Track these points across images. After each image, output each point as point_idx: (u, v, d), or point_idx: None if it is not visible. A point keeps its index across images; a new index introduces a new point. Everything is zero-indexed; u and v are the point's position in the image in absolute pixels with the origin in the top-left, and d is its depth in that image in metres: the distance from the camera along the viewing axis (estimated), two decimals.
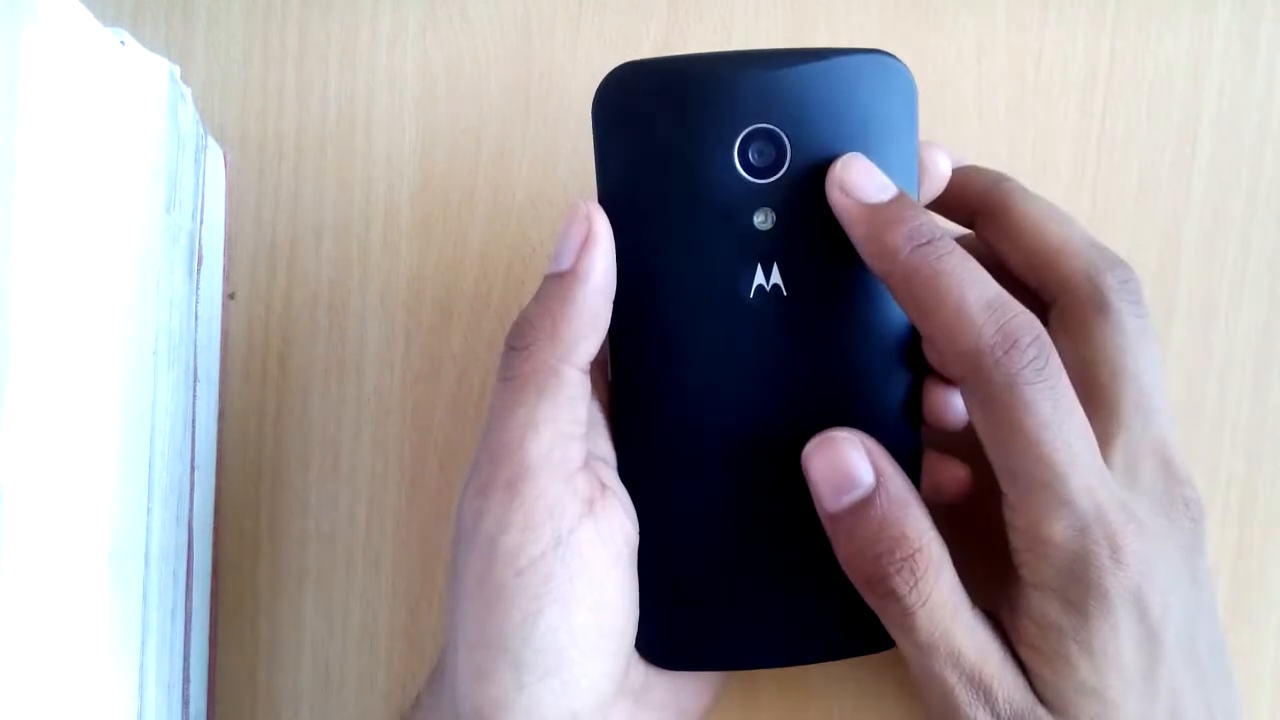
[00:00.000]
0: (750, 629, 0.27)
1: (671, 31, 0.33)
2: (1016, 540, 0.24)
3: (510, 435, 0.24)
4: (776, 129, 0.25)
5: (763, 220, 0.25)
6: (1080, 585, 0.23)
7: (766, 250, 0.25)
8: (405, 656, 0.32)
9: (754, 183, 0.25)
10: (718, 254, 0.25)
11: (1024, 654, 0.24)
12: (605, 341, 0.25)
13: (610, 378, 0.26)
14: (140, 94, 0.26)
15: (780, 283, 0.25)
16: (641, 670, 0.27)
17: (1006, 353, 0.23)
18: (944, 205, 0.28)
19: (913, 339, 0.26)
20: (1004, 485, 0.24)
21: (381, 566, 0.32)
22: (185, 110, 0.29)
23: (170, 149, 0.28)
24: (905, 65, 0.25)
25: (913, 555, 0.24)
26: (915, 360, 0.26)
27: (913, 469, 0.26)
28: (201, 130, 0.31)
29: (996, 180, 0.28)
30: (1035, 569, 0.24)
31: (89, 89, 0.23)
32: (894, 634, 0.25)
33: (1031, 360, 0.23)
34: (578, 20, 0.33)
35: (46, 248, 0.21)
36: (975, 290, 0.23)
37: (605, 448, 0.26)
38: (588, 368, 0.25)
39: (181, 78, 0.28)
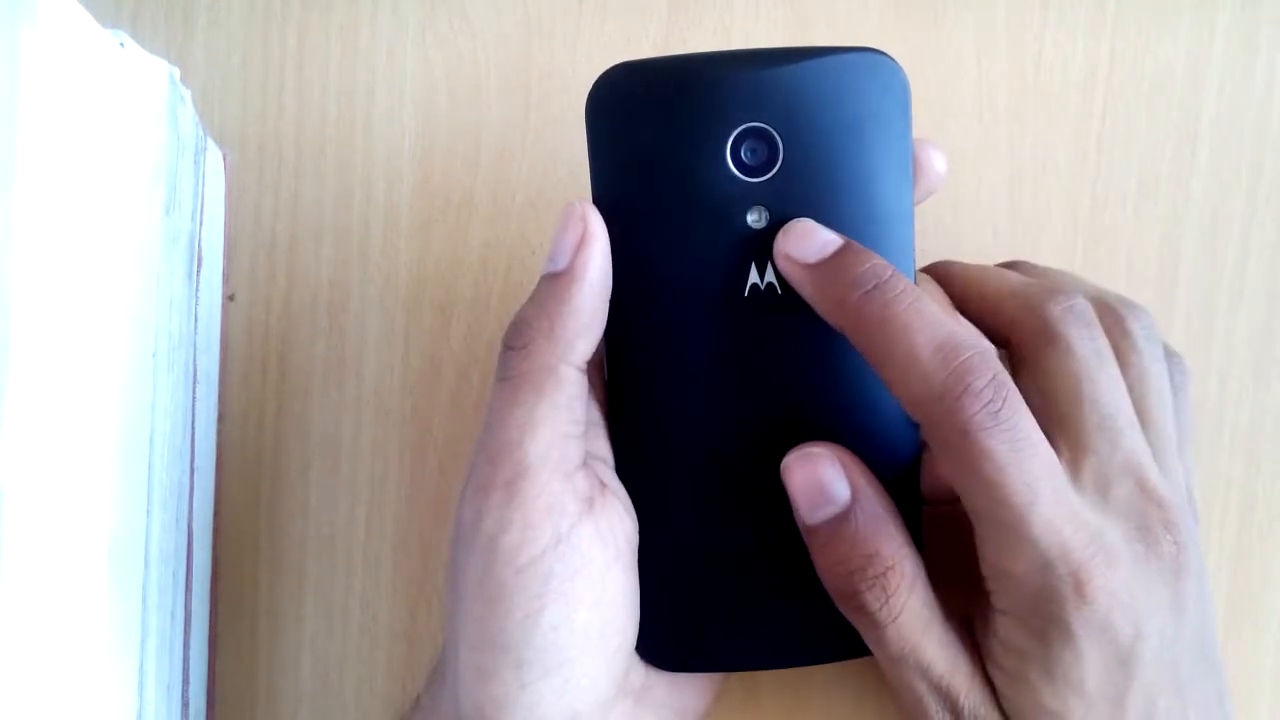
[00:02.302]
0: (750, 630, 0.27)
1: (671, 33, 0.33)
2: (984, 569, 0.24)
3: (509, 435, 0.24)
4: (769, 128, 0.25)
5: (756, 219, 0.25)
6: (1042, 617, 0.23)
7: (760, 249, 0.25)
8: (405, 657, 0.32)
9: (747, 181, 0.25)
10: (712, 253, 0.25)
11: (991, 670, 0.24)
12: (602, 341, 0.26)
13: (608, 377, 0.26)
14: (140, 96, 0.26)
15: (774, 281, 0.25)
16: (642, 670, 0.27)
17: (958, 399, 0.22)
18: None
19: None
20: (971, 518, 0.24)
21: (381, 567, 0.32)
22: (185, 112, 0.29)
23: (170, 151, 0.28)
24: (898, 63, 0.25)
25: (884, 573, 0.24)
26: None
27: (910, 466, 0.26)
28: (201, 132, 0.31)
29: (932, 267, 0.28)
30: (1000, 597, 0.24)
31: (88, 91, 0.23)
32: (867, 643, 0.25)
33: (986, 404, 0.22)
34: (577, 21, 0.33)
35: (46, 250, 0.21)
36: (925, 334, 0.23)
37: (604, 447, 0.26)
38: (585, 367, 0.25)
39: (181, 80, 0.28)
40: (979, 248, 0.32)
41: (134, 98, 0.26)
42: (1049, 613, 0.23)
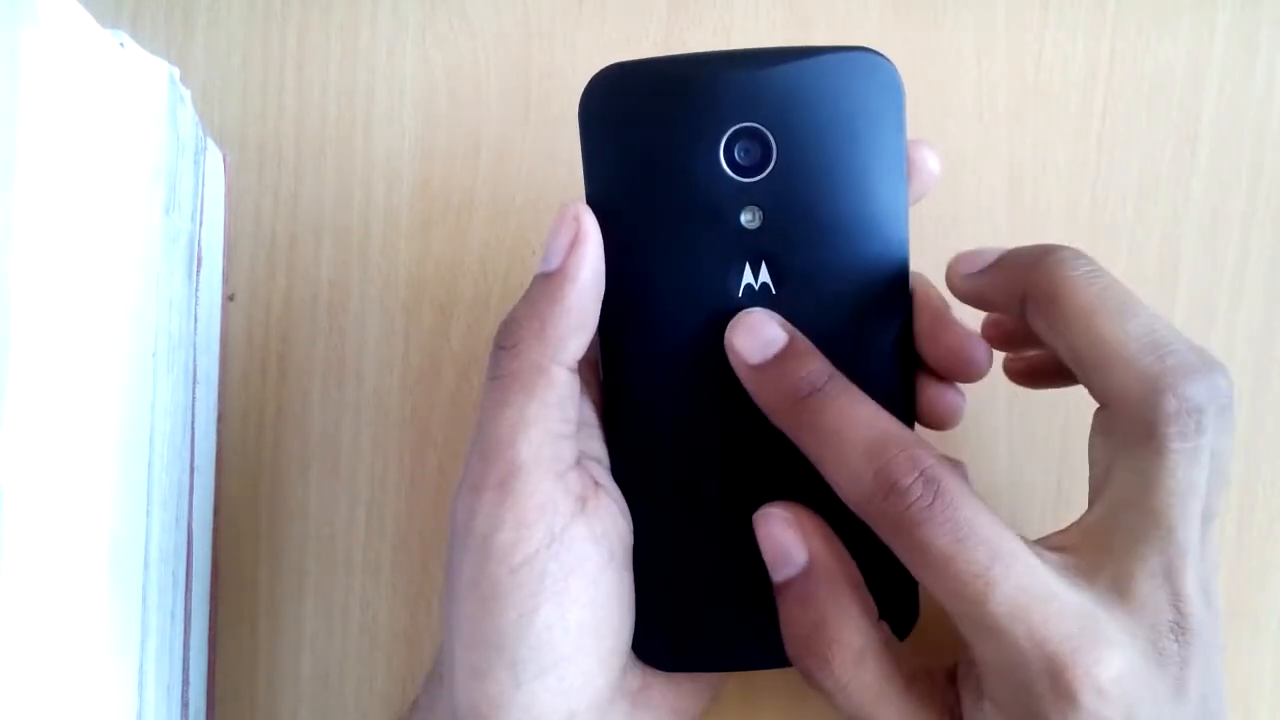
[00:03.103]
0: (747, 629, 0.27)
1: (670, 33, 0.33)
2: (962, 652, 0.24)
3: (500, 434, 0.24)
4: (762, 128, 0.25)
5: (750, 219, 0.25)
6: (1024, 712, 0.22)
7: (754, 249, 0.25)
8: (404, 657, 0.32)
9: (740, 181, 0.25)
10: (706, 253, 0.25)
11: None
12: (596, 341, 0.26)
13: (602, 377, 0.26)
14: (139, 96, 0.26)
15: (769, 281, 0.25)
16: (639, 671, 0.27)
17: (886, 498, 0.22)
18: (989, 297, 0.26)
19: (903, 334, 0.26)
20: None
21: (381, 568, 0.32)
22: (184, 112, 0.29)
23: (170, 151, 0.28)
24: (891, 62, 0.25)
25: (828, 646, 0.24)
26: (906, 356, 0.26)
27: None
28: (201, 132, 0.31)
29: (1041, 255, 0.24)
30: (983, 682, 0.23)
31: (88, 91, 0.23)
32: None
33: (916, 499, 0.22)
34: (577, 22, 0.33)
35: (46, 250, 0.21)
36: (854, 437, 0.23)
37: (598, 447, 0.26)
38: (576, 366, 0.25)
39: (181, 80, 0.28)
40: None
41: (134, 98, 0.26)
42: (1030, 708, 0.22)
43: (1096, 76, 0.33)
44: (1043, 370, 0.28)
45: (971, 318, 0.27)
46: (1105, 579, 0.22)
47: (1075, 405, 0.31)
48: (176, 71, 0.28)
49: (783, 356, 0.25)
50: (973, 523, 0.22)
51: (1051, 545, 0.23)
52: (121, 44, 0.25)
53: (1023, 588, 0.22)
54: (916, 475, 0.22)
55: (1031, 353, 0.29)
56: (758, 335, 0.25)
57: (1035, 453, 0.32)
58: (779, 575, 0.25)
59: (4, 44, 0.20)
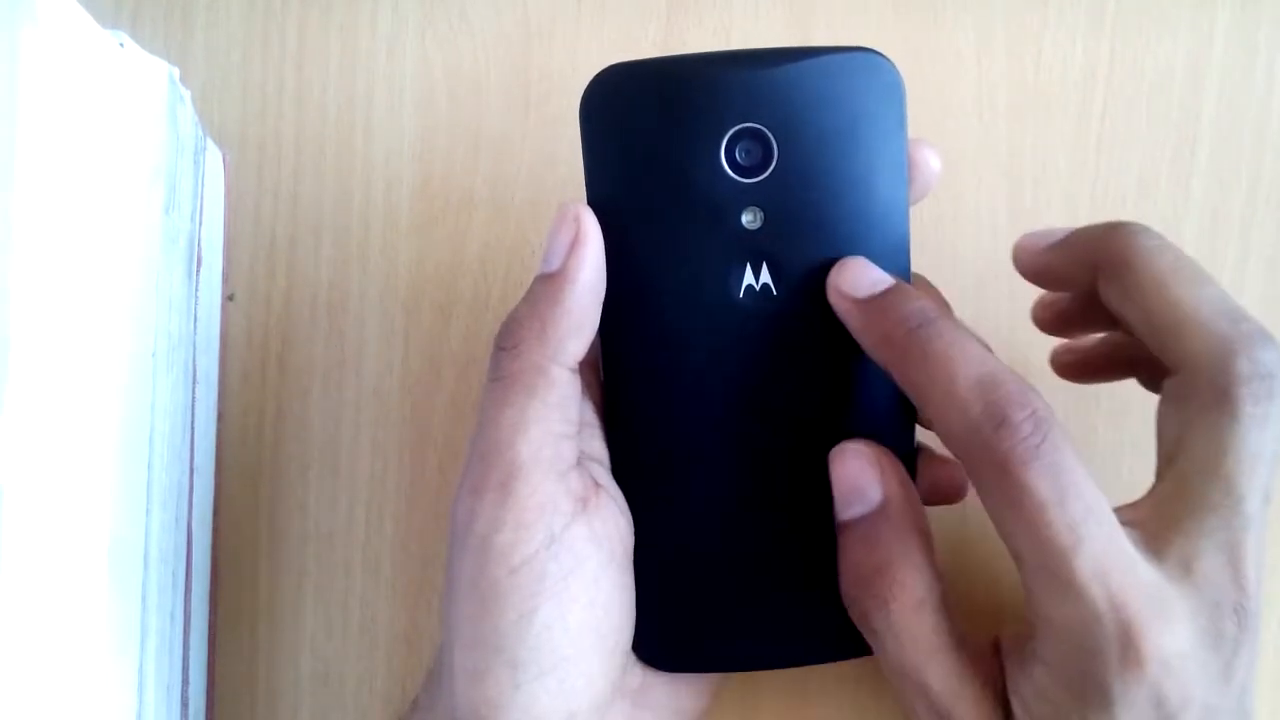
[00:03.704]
0: (748, 630, 0.27)
1: (670, 33, 0.33)
2: (1029, 610, 0.23)
3: (501, 435, 0.24)
4: (763, 128, 0.25)
5: (751, 220, 0.25)
6: (1083, 675, 0.22)
7: (755, 249, 0.25)
8: (404, 657, 0.32)
9: (741, 182, 0.25)
10: (707, 254, 0.25)
11: (1014, 704, 0.23)
12: (597, 341, 0.26)
13: (603, 378, 0.26)
14: (139, 96, 0.26)
15: (770, 282, 0.25)
16: (639, 671, 0.27)
17: (995, 430, 0.22)
18: (1060, 272, 0.26)
19: None
20: (1015, 562, 0.23)
21: (381, 568, 0.32)
22: (184, 112, 0.29)
23: (169, 151, 0.28)
24: (892, 63, 0.25)
25: (890, 588, 0.24)
26: None
27: (907, 469, 0.26)
28: (200, 132, 0.31)
29: (1111, 228, 0.25)
30: (1041, 644, 0.23)
31: (88, 91, 0.23)
32: (873, 648, 0.25)
33: (1026, 437, 0.22)
34: (577, 22, 0.33)
35: (46, 249, 0.21)
36: (965, 369, 0.23)
37: (599, 448, 0.26)
38: (577, 367, 0.25)
39: (180, 80, 0.28)
40: (979, 248, 0.32)
41: (134, 98, 0.26)
42: (1090, 672, 0.21)
43: (1096, 77, 0.33)
44: (1096, 363, 0.28)
45: (971, 319, 0.27)
46: (1174, 553, 0.22)
47: (1075, 407, 0.31)
48: (176, 71, 0.28)
49: (892, 291, 0.24)
50: (1074, 474, 0.22)
51: (1123, 519, 0.23)
52: (121, 44, 0.25)
53: (1109, 551, 0.21)
54: (1029, 412, 0.22)
55: (1085, 344, 0.28)
56: (866, 274, 0.25)
57: None
58: (849, 512, 0.25)
59: (4, 44, 0.20)
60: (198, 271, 0.30)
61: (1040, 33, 0.33)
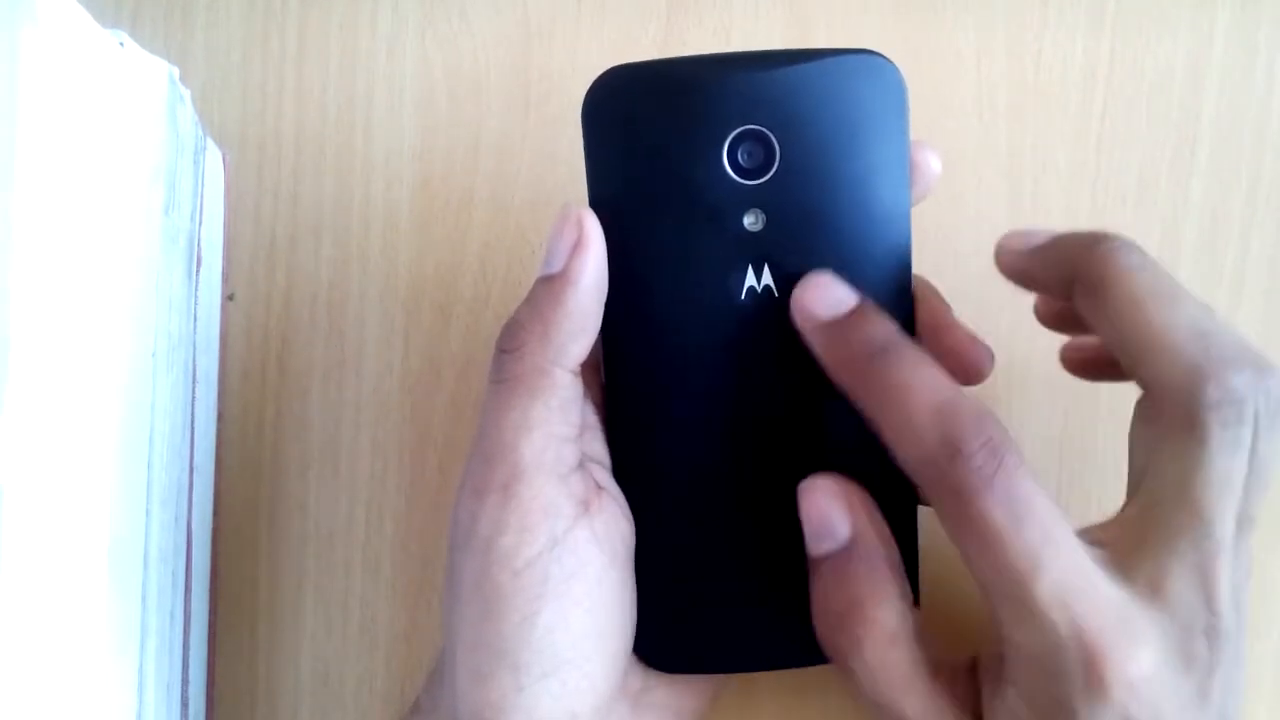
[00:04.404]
0: (749, 631, 0.27)
1: (670, 33, 0.33)
2: (997, 635, 0.23)
3: (503, 437, 0.24)
4: (765, 130, 0.25)
5: (753, 221, 0.25)
6: (1052, 700, 0.22)
7: (757, 251, 0.25)
8: (404, 657, 0.32)
9: (744, 184, 0.25)
10: (709, 256, 0.25)
11: None
12: (598, 344, 0.26)
13: (604, 380, 0.26)
14: (139, 96, 0.26)
15: (771, 284, 0.25)
16: (640, 673, 0.27)
17: (950, 461, 0.22)
18: (1039, 279, 0.26)
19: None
20: (980, 589, 0.23)
21: (380, 568, 0.32)
22: (184, 112, 0.29)
23: (169, 150, 0.28)
24: (894, 65, 0.25)
25: (861, 623, 0.24)
26: None
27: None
28: (200, 132, 0.31)
29: (1092, 242, 0.24)
30: (1009, 666, 0.23)
31: (88, 91, 0.23)
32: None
33: (980, 466, 0.22)
34: (577, 22, 0.33)
35: (46, 249, 0.21)
36: (921, 399, 0.23)
37: (600, 450, 0.26)
38: (579, 369, 0.25)
39: (180, 79, 0.28)
40: (978, 248, 0.32)
41: (134, 97, 0.26)
42: (1057, 696, 0.21)
43: (1096, 76, 0.33)
44: (1100, 362, 0.28)
45: (973, 320, 0.27)
46: (1142, 575, 0.22)
47: (1075, 409, 0.31)
48: (176, 71, 0.28)
49: (854, 314, 0.24)
50: (1030, 500, 0.22)
51: (1091, 539, 0.23)
52: (121, 44, 0.25)
53: (1069, 575, 0.21)
54: (983, 442, 0.22)
55: (1090, 342, 0.28)
56: (828, 293, 0.25)
57: (1034, 457, 0.32)
58: (819, 549, 0.25)
59: (4, 44, 0.20)
60: (198, 271, 0.30)
61: (1040, 33, 0.33)
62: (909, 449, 0.23)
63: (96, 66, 0.23)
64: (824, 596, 0.25)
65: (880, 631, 0.24)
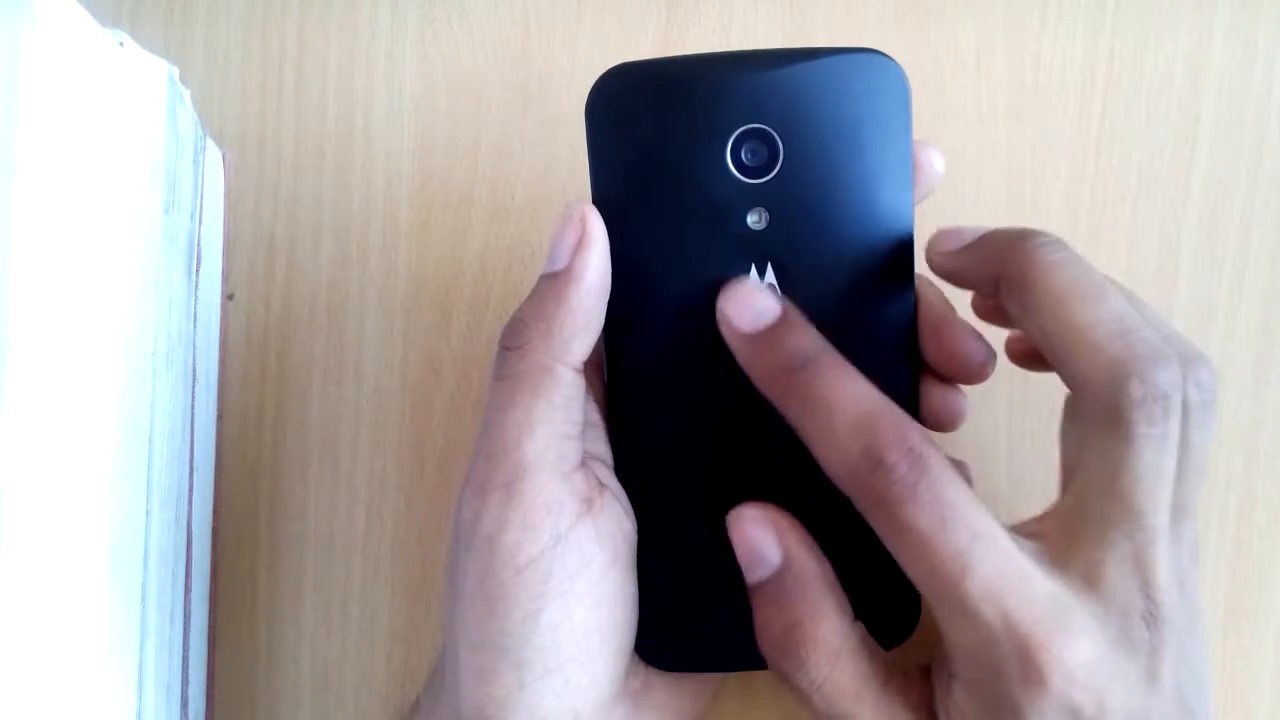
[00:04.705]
0: (749, 630, 0.27)
1: (670, 33, 0.33)
2: (941, 635, 0.23)
3: (506, 435, 0.24)
4: (769, 129, 0.25)
5: (756, 220, 0.25)
6: (995, 694, 0.22)
7: (761, 250, 0.25)
8: (404, 657, 0.32)
9: (747, 183, 0.25)
10: (712, 254, 0.25)
11: None
12: (601, 342, 0.26)
13: (606, 378, 0.26)
14: (139, 95, 0.26)
15: (774, 282, 0.25)
16: (641, 672, 0.27)
17: (873, 472, 0.22)
18: (965, 276, 0.26)
19: (908, 336, 0.26)
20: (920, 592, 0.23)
21: (380, 567, 0.32)
22: (184, 111, 0.29)
23: (169, 150, 0.28)
24: (898, 64, 0.25)
25: (802, 644, 0.24)
26: (911, 358, 0.26)
27: None
28: (200, 131, 0.31)
29: (1017, 239, 0.24)
30: (954, 664, 0.23)
31: (87, 90, 0.23)
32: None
33: (902, 476, 0.22)
34: (577, 21, 0.33)
35: (45, 249, 0.21)
36: (843, 411, 0.23)
37: (603, 448, 0.26)
38: (582, 367, 0.25)
39: (180, 79, 0.28)
40: None
41: (133, 97, 0.26)
42: (999, 690, 0.22)
43: (1096, 77, 0.33)
44: (1039, 354, 0.28)
45: (971, 318, 0.27)
46: (1077, 566, 0.22)
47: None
48: (176, 71, 0.28)
49: (776, 327, 0.24)
50: (955, 503, 0.22)
51: (1026, 532, 0.23)
52: (121, 43, 0.25)
53: (999, 570, 0.22)
54: (904, 452, 0.22)
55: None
56: (750, 304, 0.25)
57: (1034, 452, 0.32)
58: (753, 576, 0.25)
59: (4, 44, 0.20)
60: (197, 271, 0.30)
61: (1040, 33, 0.33)
62: (834, 462, 0.23)
63: (96, 66, 0.23)
64: (765, 622, 0.25)
65: (822, 649, 0.24)
